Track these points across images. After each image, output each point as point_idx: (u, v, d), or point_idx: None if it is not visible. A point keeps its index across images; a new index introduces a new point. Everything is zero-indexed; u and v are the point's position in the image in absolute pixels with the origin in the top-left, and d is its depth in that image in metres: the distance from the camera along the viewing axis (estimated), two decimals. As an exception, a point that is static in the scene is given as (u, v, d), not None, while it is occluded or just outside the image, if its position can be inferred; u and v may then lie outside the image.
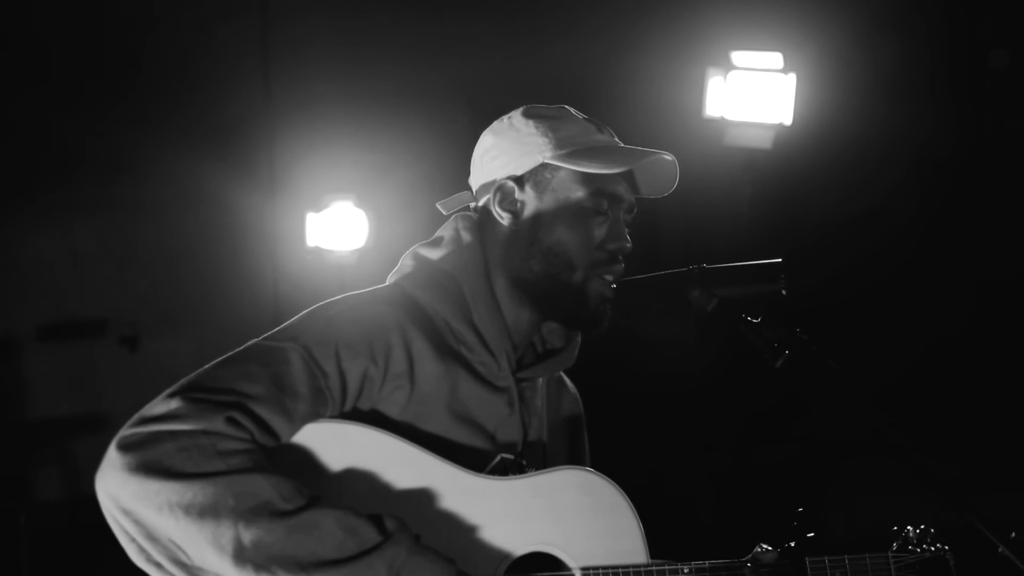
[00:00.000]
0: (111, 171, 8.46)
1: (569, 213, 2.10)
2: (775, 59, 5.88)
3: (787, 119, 5.91)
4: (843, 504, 5.93)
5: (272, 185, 9.05)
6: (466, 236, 2.13)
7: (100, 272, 8.68)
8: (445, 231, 2.17)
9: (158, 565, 1.82)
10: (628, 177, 2.16)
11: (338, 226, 8.61)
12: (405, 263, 2.17)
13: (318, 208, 8.63)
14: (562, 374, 2.31)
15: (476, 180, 2.21)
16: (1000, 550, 1.71)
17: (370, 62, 8.23)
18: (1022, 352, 6.68)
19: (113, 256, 8.73)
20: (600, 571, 2.00)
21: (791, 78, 5.88)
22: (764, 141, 5.94)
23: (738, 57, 5.93)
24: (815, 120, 6.04)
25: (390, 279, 2.17)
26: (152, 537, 1.79)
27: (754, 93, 5.92)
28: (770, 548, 2.10)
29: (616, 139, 2.18)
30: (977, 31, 6.53)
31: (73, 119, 8.01)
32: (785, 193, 6.24)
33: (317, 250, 8.68)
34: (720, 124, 5.97)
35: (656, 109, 6.26)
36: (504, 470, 2.05)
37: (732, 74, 5.93)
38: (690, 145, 5.93)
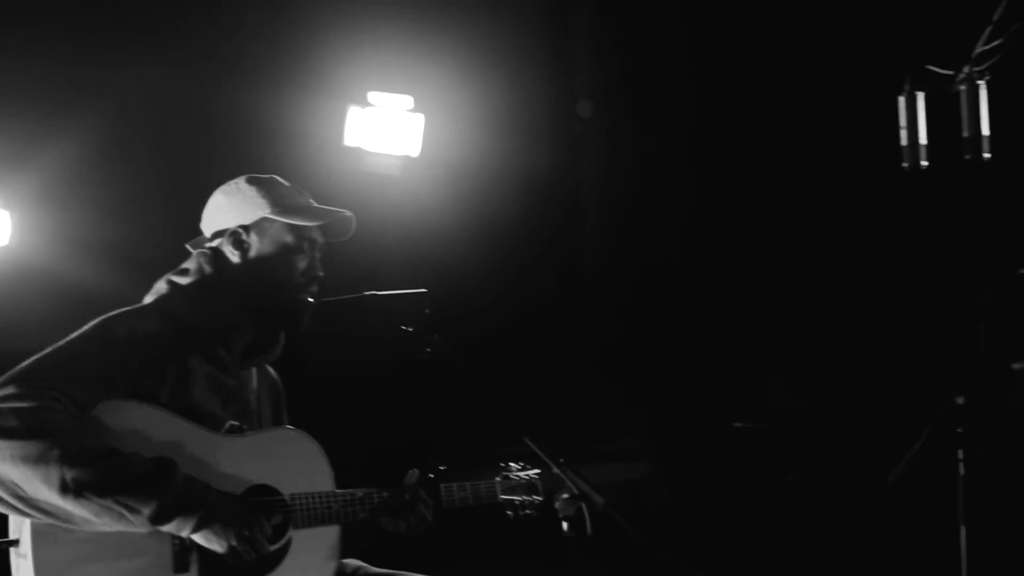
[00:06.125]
0: None
1: (282, 252, 3.02)
2: (407, 101, 6.92)
3: (415, 151, 6.97)
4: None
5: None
6: (207, 267, 3.01)
7: None
8: (191, 264, 3.03)
9: (1, 500, 2.58)
10: (321, 227, 3.10)
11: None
12: (161, 287, 3.01)
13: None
14: (268, 366, 3.23)
15: (210, 227, 3.08)
16: (553, 470, 2.80)
17: (24, 75, 8.46)
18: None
19: None
20: (302, 496, 2.95)
21: (420, 117, 6.94)
22: (394, 169, 6.97)
23: (374, 96, 6.91)
24: (439, 152, 7.15)
25: (148, 299, 3.00)
26: None
27: (387, 128, 6.93)
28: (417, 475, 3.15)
29: (311, 200, 3.12)
30: (570, 84, 7.90)
31: None
32: (411, 214, 7.25)
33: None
34: (358, 153, 6.92)
35: (305, 137, 7.11)
36: (232, 432, 2.95)
37: (368, 110, 6.90)
38: (334, 170, 6.86)
